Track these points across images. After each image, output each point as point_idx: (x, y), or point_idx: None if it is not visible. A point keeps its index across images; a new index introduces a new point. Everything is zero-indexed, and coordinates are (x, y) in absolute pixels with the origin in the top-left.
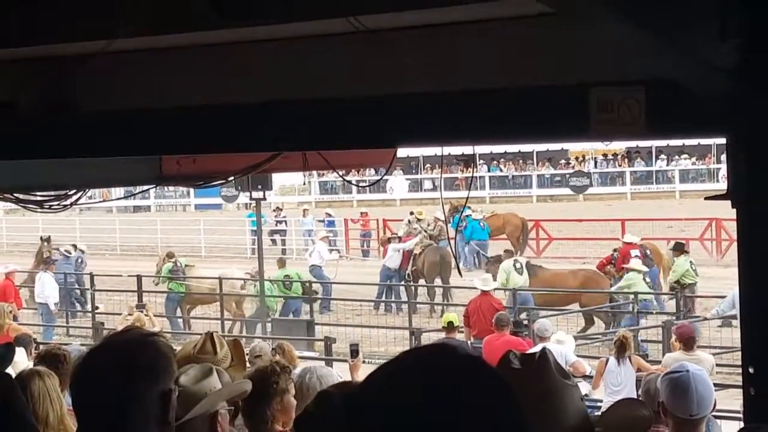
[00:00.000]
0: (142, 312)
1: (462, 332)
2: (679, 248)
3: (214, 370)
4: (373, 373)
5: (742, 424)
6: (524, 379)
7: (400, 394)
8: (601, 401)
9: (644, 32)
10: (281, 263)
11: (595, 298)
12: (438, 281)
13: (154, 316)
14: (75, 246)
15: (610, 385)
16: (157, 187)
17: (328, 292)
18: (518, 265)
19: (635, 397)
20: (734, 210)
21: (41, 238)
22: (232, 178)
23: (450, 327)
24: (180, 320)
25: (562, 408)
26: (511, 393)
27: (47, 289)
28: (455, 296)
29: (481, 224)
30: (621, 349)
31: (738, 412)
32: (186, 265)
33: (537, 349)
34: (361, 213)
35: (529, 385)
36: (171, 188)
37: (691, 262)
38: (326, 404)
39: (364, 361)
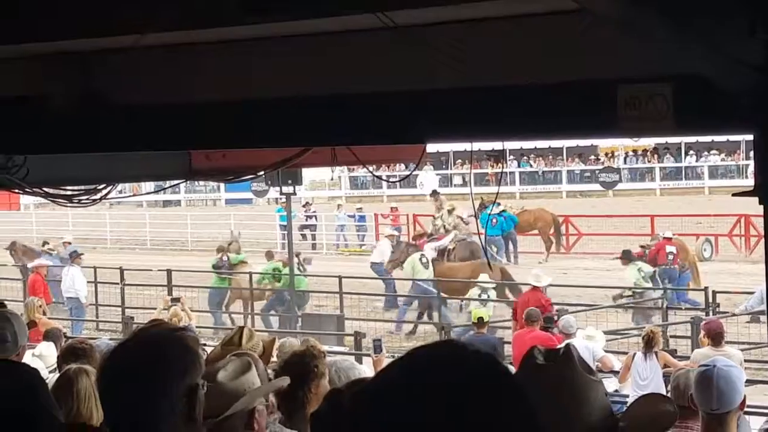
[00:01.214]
0: (177, 305)
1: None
2: (626, 256)
3: (253, 364)
4: (383, 371)
5: None
6: (548, 375)
7: (409, 393)
8: (628, 396)
9: (672, 28)
10: (269, 256)
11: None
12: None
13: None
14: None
15: (637, 380)
16: (187, 182)
17: (392, 290)
18: (424, 260)
19: (662, 392)
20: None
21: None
22: (261, 172)
23: (480, 323)
24: (223, 315)
25: (587, 403)
26: (523, 393)
27: (77, 282)
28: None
29: (494, 221)
30: (648, 343)
31: (767, 407)
32: (240, 261)
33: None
34: (391, 208)
35: (554, 380)
36: (201, 183)
37: (639, 270)
38: (337, 403)
39: (393, 356)
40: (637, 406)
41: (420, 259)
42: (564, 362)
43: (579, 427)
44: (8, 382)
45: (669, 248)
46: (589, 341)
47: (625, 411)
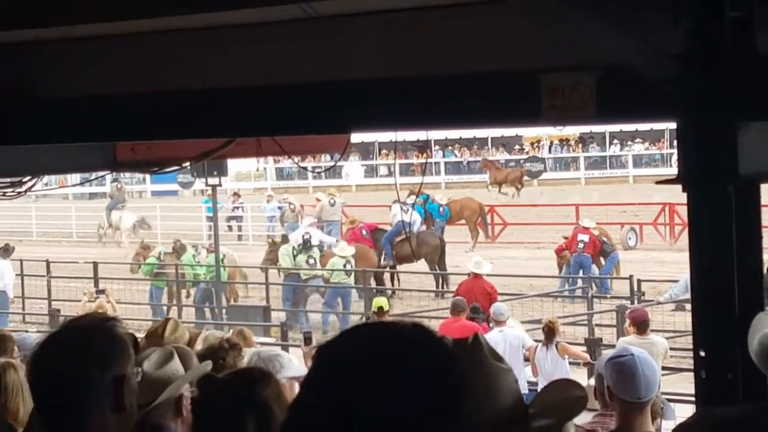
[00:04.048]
0: (102, 297)
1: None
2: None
3: (175, 352)
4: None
5: (694, 407)
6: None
7: (348, 366)
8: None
9: (596, 18)
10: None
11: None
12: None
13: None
14: None
15: (541, 371)
16: (114, 174)
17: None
18: (295, 252)
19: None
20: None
21: None
22: (186, 164)
23: (380, 312)
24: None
25: (496, 390)
26: (454, 360)
27: (6, 276)
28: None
29: (441, 210)
30: (549, 334)
31: (692, 395)
32: (166, 253)
33: (494, 333)
34: (317, 199)
35: (463, 367)
36: (127, 175)
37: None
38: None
39: None
40: (545, 393)
41: (292, 251)
42: (473, 351)
43: (490, 414)
44: None
45: (581, 236)
46: (516, 330)
47: (535, 397)
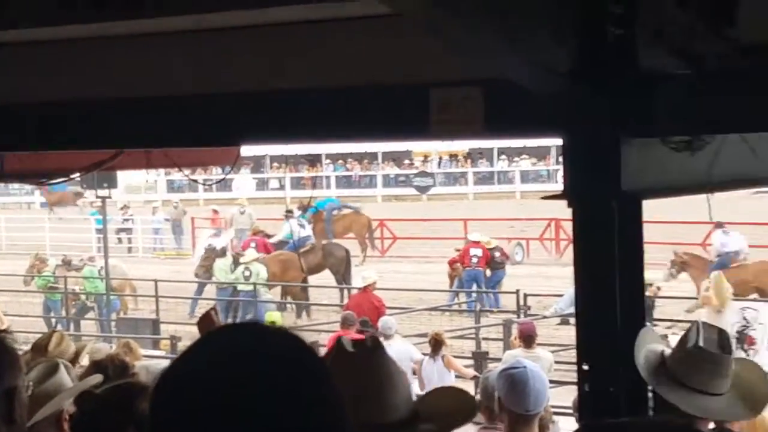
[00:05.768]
0: None
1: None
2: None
3: (61, 366)
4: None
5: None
6: (357, 361)
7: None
8: None
9: (483, 34)
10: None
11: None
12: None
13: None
14: None
15: (429, 384)
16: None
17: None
18: (233, 267)
19: None
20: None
21: None
22: (75, 175)
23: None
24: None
25: (396, 389)
26: (327, 373)
27: None
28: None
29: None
30: (435, 347)
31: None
32: (57, 266)
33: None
34: (213, 210)
35: (362, 366)
36: (15, 186)
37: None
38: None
39: None
40: (432, 398)
41: (230, 267)
42: (373, 350)
43: (387, 411)
44: None
45: (473, 251)
46: (406, 344)
47: (420, 401)
